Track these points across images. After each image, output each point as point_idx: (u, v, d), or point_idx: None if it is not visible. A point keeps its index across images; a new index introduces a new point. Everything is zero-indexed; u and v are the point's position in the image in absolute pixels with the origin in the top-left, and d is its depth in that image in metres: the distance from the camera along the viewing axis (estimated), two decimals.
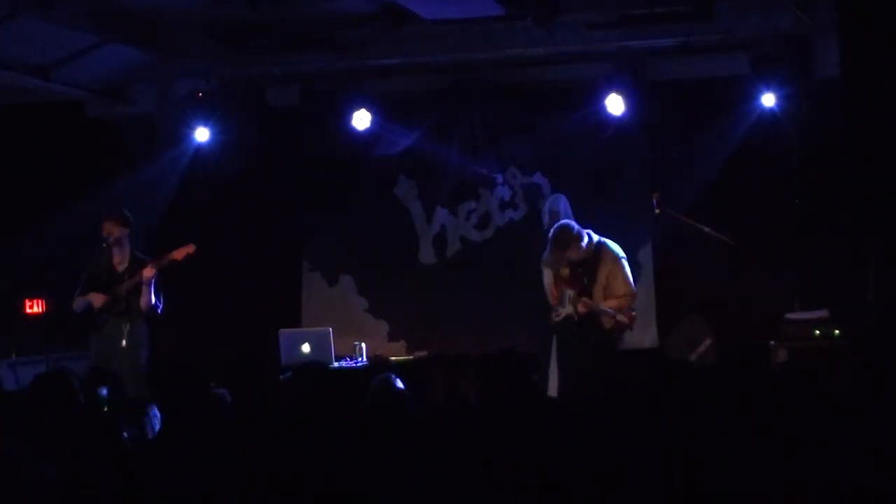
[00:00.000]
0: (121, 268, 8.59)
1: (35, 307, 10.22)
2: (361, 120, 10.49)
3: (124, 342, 8.46)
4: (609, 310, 8.26)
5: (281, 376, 7.18)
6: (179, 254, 8.59)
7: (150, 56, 10.32)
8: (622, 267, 8.40)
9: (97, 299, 8.47)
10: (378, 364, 9.39)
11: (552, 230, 8.54)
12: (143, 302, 8.46)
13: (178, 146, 10.70)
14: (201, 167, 10.81)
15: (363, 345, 10.07)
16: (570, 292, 8.45)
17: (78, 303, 8.61)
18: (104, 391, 6.28)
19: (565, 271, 8.49)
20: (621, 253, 8.44)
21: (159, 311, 8.59)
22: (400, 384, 5.84)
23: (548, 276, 8.66)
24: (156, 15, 9.67)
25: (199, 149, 10.71)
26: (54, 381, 5.76)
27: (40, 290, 10.23)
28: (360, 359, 9.90)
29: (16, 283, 10.40)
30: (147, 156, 10.69)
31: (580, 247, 8.31)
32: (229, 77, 10.64)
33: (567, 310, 8.44)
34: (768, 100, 9.72)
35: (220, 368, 8.11)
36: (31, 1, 8.72)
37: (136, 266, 8.57)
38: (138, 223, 8.83)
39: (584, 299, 8.29)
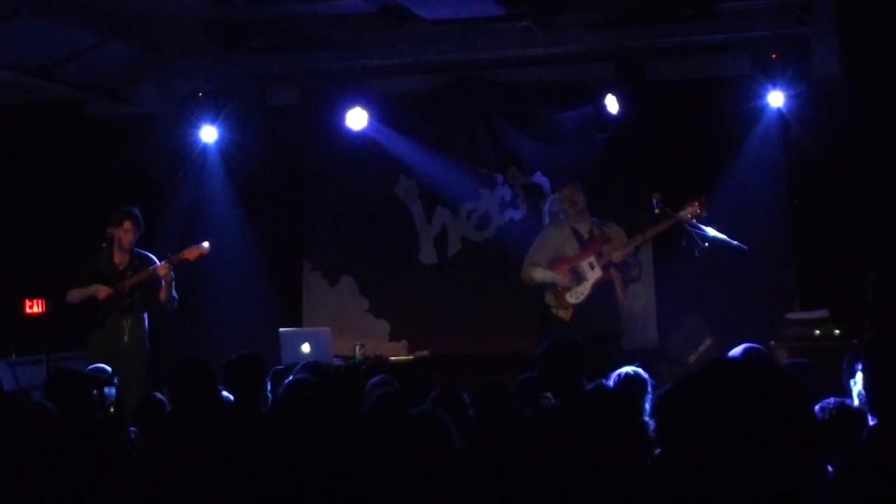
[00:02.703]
0: (121, 265, 8.60)
1: (35, 307, 10.20)
2: (356, 118, 10.49)
3: (126, 338, 8.47)
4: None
5: (280, 376, 7.18)
6: (192, 253, 8.62)
7: (150, 56, 10.31)
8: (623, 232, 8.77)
9: (102, 291, 8.48)
10: (377, 364, 9.37)
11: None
12: (163, 296, 8.49)
13: (178, 146, 10.70)
14: (201, 167, 10.81)
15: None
16: (589, 260, 8.57)
17: (75, 294, 8.61)
18: (112, 391, 6.29)
19: (571, 249, 8.62)
20: None
21: (174, 307, 8.64)
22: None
23: (540, 272, 8.75)
24: (156, 15, 9.67)
25: (202, 148, 10.72)
26: (69, 380, 5.78)
27: (40, 290, 10.21)
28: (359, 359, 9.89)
29: (16, 283, 10.39)
30: (147, 156, 10.68)
31: (582, 194, 8.70)
32: (229, 77, 10.64)
33: (594, 276, 8.55)
34: (775, 99, 9.70)
35: (220, 368, 8.10)
36: (32, 1, 8.72)
37: (137, 263, 8.59)
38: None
39: (615, 251, 8.57)
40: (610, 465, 3.78)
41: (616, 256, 8.54)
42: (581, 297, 8.65)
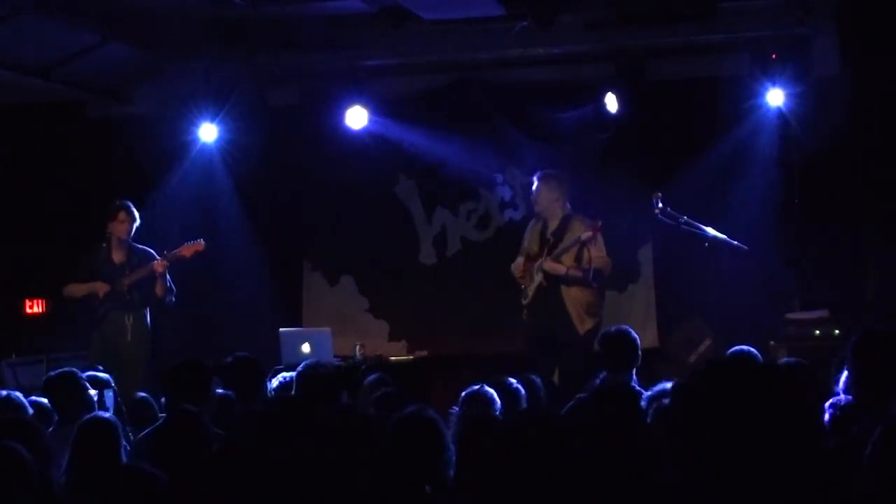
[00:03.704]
0: (120, 262, 8.62)
1: (35, 307, 10.22)
2: (355, 117, 10.48)
3: (129, 336, 8.50)
4: (571, 268, 8.57)
5: (281, 376, 7.18)
6: (188, 250, 8.66)
7: (150, 56, 10.31)
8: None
9: (101, 288, 8.51)
10: (377, 364, 9.38)
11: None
12: (159, 290, 8.54)
13: (178, 146, 10.70)
14: (201, 167, 10.81)
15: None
16: (538, 263, 8.66)
17: (74, 289, 8.62)
18: (111, 394, 6.30)
19: (535, 247, 8.66)
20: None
21: (173, 301, 8.67)
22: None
23: (516, 265, 8.85)
24: (156, 15, 9.66)
25: (202, 148, 10.72)
26: (68, 381, 5.78)
27: (40, 290, 10.22)
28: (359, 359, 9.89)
29: (16, 283, 10.40)
30: (147, 156, 10.68)
31: (557, 196, 8.74)
32: (229, 77, 10.64)
33: (537, 280, 8.61)
34: (775, 97, 9.68)
35: (220, 368, 8.11)
36: (31, 1, 8.73)
37: (135, 259, 8.62)
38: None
39: (548, 261, 8.60)
40: (615, 464, 3.79)
41: (546, 265, 8.60)
42: (526, 300, 8.74)
